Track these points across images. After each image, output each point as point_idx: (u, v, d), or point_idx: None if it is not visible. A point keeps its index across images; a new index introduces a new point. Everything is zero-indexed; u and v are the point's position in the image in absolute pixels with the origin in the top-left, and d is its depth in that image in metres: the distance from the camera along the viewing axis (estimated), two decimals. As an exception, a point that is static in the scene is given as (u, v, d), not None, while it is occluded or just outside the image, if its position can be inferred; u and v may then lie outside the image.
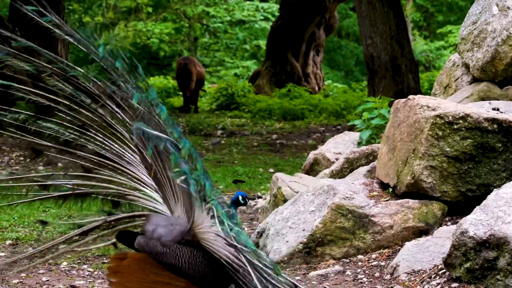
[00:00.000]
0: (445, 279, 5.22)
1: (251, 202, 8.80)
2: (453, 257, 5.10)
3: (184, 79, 20.30)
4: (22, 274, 6.05)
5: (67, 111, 4.26)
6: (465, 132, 6.15)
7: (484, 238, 4.94)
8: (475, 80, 8.10)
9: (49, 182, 4.28)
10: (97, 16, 32.45)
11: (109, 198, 4.28)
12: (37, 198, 4.33)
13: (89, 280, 6.02)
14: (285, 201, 7.26)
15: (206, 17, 34.88)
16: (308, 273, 6.02)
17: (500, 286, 4.89)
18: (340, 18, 32.25)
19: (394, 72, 16.24)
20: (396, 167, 6.50)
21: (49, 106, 4.24)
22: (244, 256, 3.81)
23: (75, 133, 4.26)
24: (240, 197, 4.42)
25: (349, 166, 7.97)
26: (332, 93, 23.20)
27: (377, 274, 5.80)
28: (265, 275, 3.83)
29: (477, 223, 5.04)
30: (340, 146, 9.15)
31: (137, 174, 4.21)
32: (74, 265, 6.43)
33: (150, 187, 4.19)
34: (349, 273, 5.90)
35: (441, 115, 6.17)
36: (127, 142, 4.23)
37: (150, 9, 33.19)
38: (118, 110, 4.23)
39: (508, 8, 7.67)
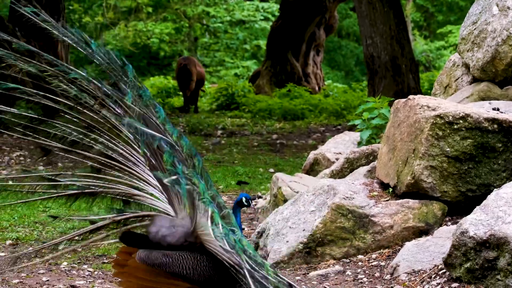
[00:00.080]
0: (445, 279, 5.22)
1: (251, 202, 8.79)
2: (453, 257, 5.10)
3: (184, 79, 20.30)
4: (22, 274, 6.05)
5: (72, 113, 4.26)
6: (465, 132, 6.15)
7: (484, 238, 4.94)
8: (475, 80, 8.10)
9: (62, 181, 4.27)
10: (97, 16, 32.44)
11: (118, 197, 4.28)
12: (49, 196, 4.33)
13: (89, 280, 6.02)
14: (285, 201, 7.26)
15: (206, 17, 34.88)
16: (308, 273, 6.02)
17: (500, 286, 4.90)
18: (340, 18, 32.25)
19: (394, 72, 16.24)
20: (396, 167, 6.50)
21: (54, 107, 4.24)
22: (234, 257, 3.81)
23: (80, 134, 4.27)
24: (244, 199, 4.41)
25: (349, 166, 7.97)
26: (332, 93, 23.19)
27: (377, 274, 5.80)
28: (256, 275, 3.82)
29: (477, 223, 5.04)
30: (340, 146, 9.15)
31: (142, 175, 4.21)
32: (74, 265, 6.43)
33: (156, 188, 4.19)
34: (349, 273, 5.90)
35: (441, 115, 6.17)
36: (131, 143, 4.24)
37: (150, 9, 33.19)
38: (120, 111, 4.24)
39: (508, 8, 7.67)
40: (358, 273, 5.89)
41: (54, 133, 4.27)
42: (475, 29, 8.01)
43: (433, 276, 5.37)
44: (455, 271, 5.12)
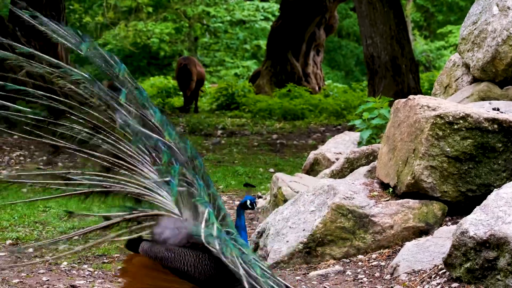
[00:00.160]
0: (445, 279, 5.22)
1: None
2: (453, 257, 5.10)
3: (184, 79, 20.30)
4: (23, 274, 6.05)
5: (78, 113, 4.27)
6: (465, 132, 6.15)
7: (484, 238, 4.94)
8: (475, 80, 8.10)
9: (75, 178, 4.27)
10: (97, 16, 32.44)
11: (129, 196, 4.27)
12: (63, 194, 4.33)
13: (89, 280, 6.02)
14: (285, 201, 7.26)
15: (207, 17, 34.87)
16: (308, 273, 6.02)
17: (500, 286, 4.90)
18: (340, 18, 32.25)
19: (394, 72, 16.23)
20: (396, 167, 6.50)
21: (60, 108, 4.25)
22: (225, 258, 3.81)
23: (87, 134, 4.27)
24: (248, 201, 4.39)
25: (349, 166, 7.97)
26: (332, 93, 23.19)
27: (377, 274, 5.80)
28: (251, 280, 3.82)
29: (477, 223, 5.04)
30: (340, 146, 9.14)
31: (150, 175, 4.21)
32: (74, 265, 6.43)
33: (163, 189, 4.19)
34: (349, 273, 5.90)
35: (442, 115, 6.17)
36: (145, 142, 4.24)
37: (150, 9, 33.18)
38: (126, 113, 4.24)
39: (508, 8, 7.67)
40: (358, 273, 5.89)
41: (62, 132, 4.27)
42: (475, 29, 8.02)
43: (433, 276, 5.37)
44: (455, 271, 5.12)
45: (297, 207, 6.67)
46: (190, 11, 33.69)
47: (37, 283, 5.88)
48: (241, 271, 3.76)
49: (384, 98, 9.04)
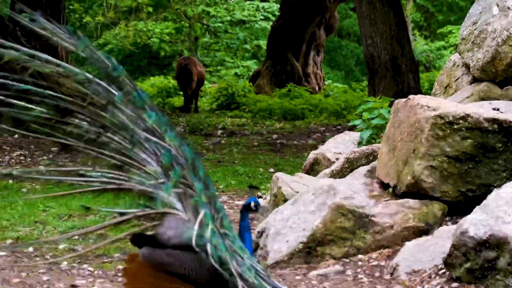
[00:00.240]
0: (445, 279, 5.22)
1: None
2: (453, 257, 5.10)
3: (184, 79, 20.30)
4: (23, 274, 6.05)
5: (85, 112, 4.27)
6: (465, 132, 6.16)
7: (484, 238, 4.94)
8: (475, 80, 8.11)
9: (90, 175, 4.27)
10: (97, 16, 32.44)
11: (140, 193, 4.27)
12: (77, 191, 4.33)
13: (90, 280, 6.02)
14: (285, 201, 7.26)
15: (207, 17, 34.87)
16: (308, 273, 6.02)
17: (500, 286, 4.90)
18: (340, 18, 32.25)
19: (394, 72, 16.23)
20: (397, 167, 6.50)
21: (66, 108, 4.26)
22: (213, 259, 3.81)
23: (96, 132, 4.27)
24: (253, 203, 4.37)
25: (350, 166, 7.97)
26: (332, 93, 23.18)
27: (377, 274, 5.81)
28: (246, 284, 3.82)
29: (477, 223, 5.04)
30: (341, 146, 9.14)
31: (158, 175, 4.22)
32: (75, 264, 6.43)
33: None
34: (349, 273, 5.90)
35: (442, 115, 6.18)
36: (143, 143, 4.24)
37: (150, 9, 33.17)
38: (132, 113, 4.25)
39: (508, 8, 7.68)
40: (358, 273, 5.89)
41: (71, 131, 4.28)
42: (475, 29, 8.02)
43: (433, 276, 5.38)
44: (455, 271, 5.12)
45: (297, 207, 6.67)
46: (190, 11, 33.68)
47: (37, 282, 5.88)
48: (236, 277, 3.76)
49: (384, 98, 9.04)
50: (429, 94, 10.37)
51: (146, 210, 4.18)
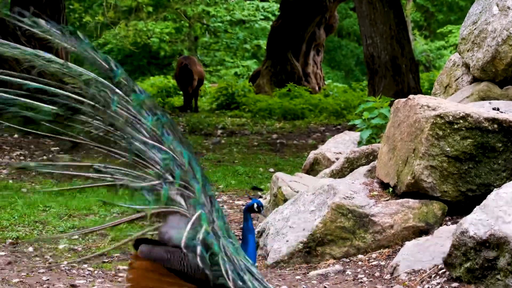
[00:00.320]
0: (445, 278, 5.22)
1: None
2: (453, 256, 5.10)
3: (185, 79, 20.30)
4: (23, 273, 6.05)
5: (92, 111, 4.27)
6: (465, 132, 6.16)
7: (484, 238, 4.94)
8: (475, 80, 8.11)
9: (102, 170, 4.26)
10: (97, 16, 32.44)
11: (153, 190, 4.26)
12: (91, 185, 4.32)
13: (89, 280, 6.02)
14: (285, 200, 7.26)
15: (207, 16, 34.88)
16: (308, 273, 6.02)
17: (500, 286, 4.90)
18: (340, 18, 32.25)
19: (394, 71, 16.23)
20: (396, 167, 6.50)
21: (75, 106, 4.26)
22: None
23: (104, 131, 4.27)
24: (255, 205, 4.36)
25: (349, 165, 7.97)
26: (332, 93, 23.18)
27: (377, 274, 5.80)
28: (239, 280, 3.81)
29: (477, 223, 5.04)
30: (340, 145, 9.14)
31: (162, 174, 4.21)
32: (74, 264, 6.43)
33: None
34: (349, 273, 5.90)
35: (442, 115, 6.17)
36: (148, 142, 4.24)
37: (150, 9, 33.18)
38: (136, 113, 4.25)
39: (508, 8, 7.68)
40: (358, 272, 5.89)
41: (81, 129, 4.28)
42: (475, 29, 8.02)
43: (433, 275, 5.38)
44: (455, 270, 5.12)
45: (297, 206, 6.68)
46: (190, 11, 33.69)
47: (37, 282, 5.88)
48: (228, 281, 3.76)
49: (384, 98, 9.04)
50: (429, 94, 10.37)
51: (157, 207, 4.16)
